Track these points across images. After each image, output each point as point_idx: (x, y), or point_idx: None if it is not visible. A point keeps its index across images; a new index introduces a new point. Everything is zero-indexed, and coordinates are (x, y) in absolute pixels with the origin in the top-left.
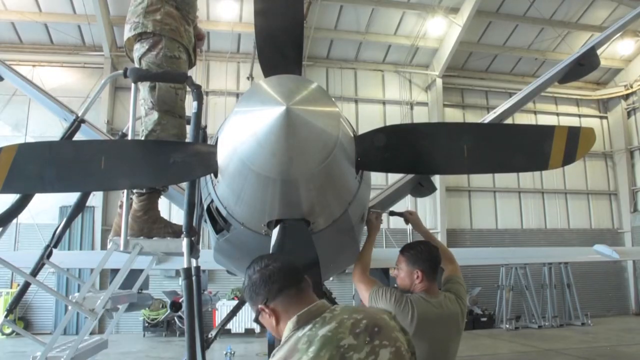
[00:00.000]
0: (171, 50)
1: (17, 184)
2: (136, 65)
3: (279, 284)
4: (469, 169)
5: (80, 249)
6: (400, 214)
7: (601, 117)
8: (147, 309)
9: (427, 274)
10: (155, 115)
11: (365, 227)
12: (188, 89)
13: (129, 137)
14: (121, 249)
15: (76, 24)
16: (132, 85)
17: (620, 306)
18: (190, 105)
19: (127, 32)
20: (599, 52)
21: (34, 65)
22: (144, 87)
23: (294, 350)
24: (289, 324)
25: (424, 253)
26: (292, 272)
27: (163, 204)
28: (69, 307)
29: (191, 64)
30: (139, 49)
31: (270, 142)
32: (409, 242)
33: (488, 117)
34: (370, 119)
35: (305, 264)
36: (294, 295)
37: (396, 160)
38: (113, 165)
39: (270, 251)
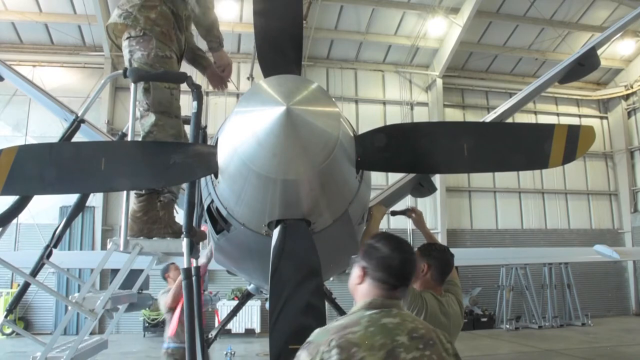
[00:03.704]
0: (162, 50)
1: (17, 186)
2: (127, 63)
3: (384, 276)
4: (470, 168)
5: (81, 249)
6: (402, 212)
7: (601, 118)
8: (147, 309)
9: (433, 273)
10: (152, 117)
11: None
12: (184, 88)
13: (129, 138)
14: (121, 249)
15: (76, 24)
16: (132, 85)
17: (620, 306)
18: (189, 105)
19: (115, 17)
20: (599, 52)
21: (34, 66)
22: (138, 89)
23: (356, 324)
24: (361, 302)
25: (438, 252)
26: (400, 277)
27: None
28: (69, 308)
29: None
30: (127, 46)
31: (271, 142)
32: (410, 241)
33: (488, 117)
34: (370, 119)
35: (307, 265)
36: (384, 289)
37: (396, 159)
38: (113, 167)
39: (271, 252)
